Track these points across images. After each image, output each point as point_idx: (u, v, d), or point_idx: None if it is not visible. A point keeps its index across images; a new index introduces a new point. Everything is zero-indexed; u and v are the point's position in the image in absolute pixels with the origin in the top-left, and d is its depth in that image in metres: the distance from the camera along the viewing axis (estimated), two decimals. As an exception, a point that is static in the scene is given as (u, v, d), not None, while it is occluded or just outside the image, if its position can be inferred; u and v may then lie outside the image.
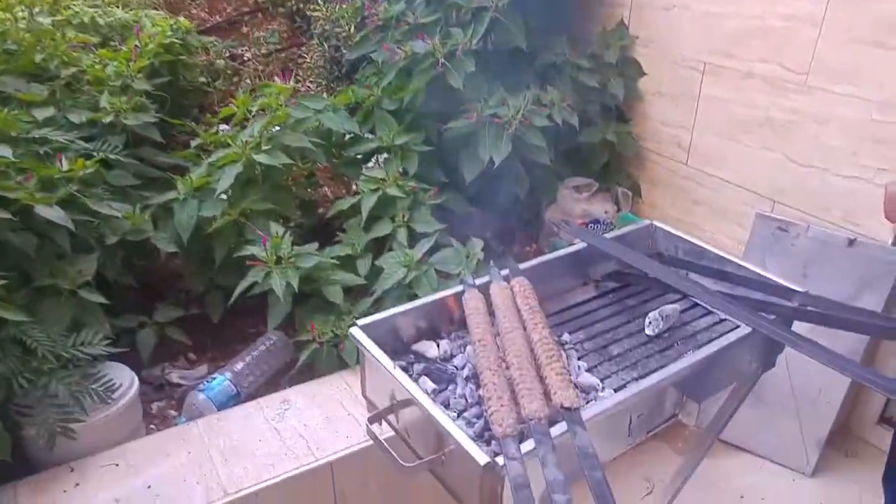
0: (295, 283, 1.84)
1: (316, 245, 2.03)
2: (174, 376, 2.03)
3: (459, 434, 1.00)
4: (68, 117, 1.99)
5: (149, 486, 1.56)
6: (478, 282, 1.39)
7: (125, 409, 1.69)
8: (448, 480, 1.09)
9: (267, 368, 2.03)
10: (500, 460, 0.95)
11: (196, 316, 2.19)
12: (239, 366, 1.98)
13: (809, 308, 1.31)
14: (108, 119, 2.03)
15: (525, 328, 1.23)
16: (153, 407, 1.95)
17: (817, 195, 2.20)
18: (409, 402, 1.11)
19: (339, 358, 1.95)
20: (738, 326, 1.44)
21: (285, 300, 1.85)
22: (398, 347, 1.32)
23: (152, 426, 1.88)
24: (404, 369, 1.26)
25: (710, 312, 1.50)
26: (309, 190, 2.58)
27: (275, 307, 1.90)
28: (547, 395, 1.08)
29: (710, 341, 1.40)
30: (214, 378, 1.92)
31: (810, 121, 2.17)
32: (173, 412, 1.95)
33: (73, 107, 2.04)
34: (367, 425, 1.13)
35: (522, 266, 1.46)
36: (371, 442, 1.61)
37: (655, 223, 1.69)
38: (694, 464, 1.50)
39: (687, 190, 2.73)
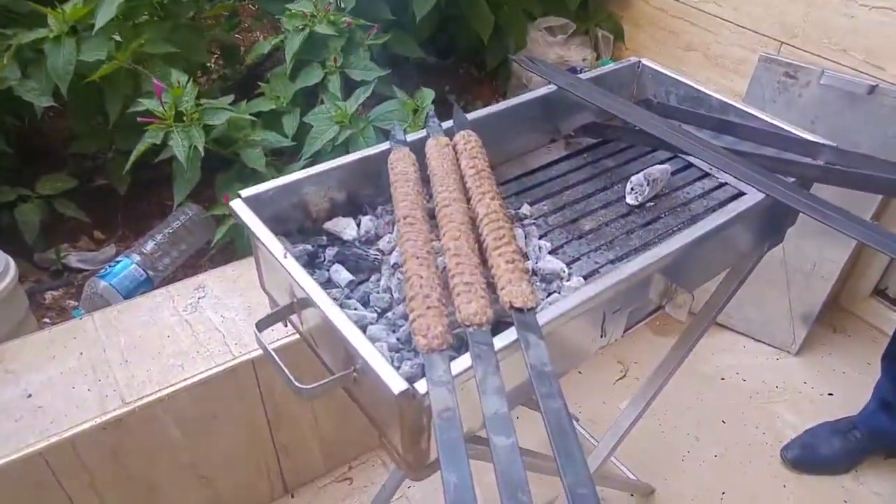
0: (200, 145, 1.49)
1: (231, 98, 1.67)
2: (73, 259, 1.72)
3: (368, 348, 0.72)
4: None
5: (29, 396, 1.29)
6: (412, 137, 1.07)
7: (1, 300, 1.40)
8: (363, 403, 0.83)
9: (185, 248, 1.73)
10: (420, 386, 0.68)
11: (102, 188, 1.85)
12: (149, 246, 1.67)
13: (840, 167, 1.01)
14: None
15: (469, 199, 0.92)
16: (47, 297, 1.65)
17: (836, 33, 1.84)
18: (308, 302, 0.81)
19: (264, 235, 1.65)
20: (742, 193, 1.15)
21: (191, 166, 1.51)
22: (307, 226, 1.02)
23: (46, 320, 1.60)
24: (313, 255, 0.96)
25: (706, 175, 1.20)
26: (233, 34, 2.15)
27: (181, 175, 1.56)
28: (493, 290, 0.79)
29: (706, 211, 1.11)
30: (118, 262, 1.62)
31: (834, -63, 1.78)
32: (73, 302, 1.66)
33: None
34: (256, 333, 0.84)
35: (472, 116, 1.12)
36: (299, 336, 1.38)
37: (643, 61, 1.34)
38: (680, 358, 1.26)
39: (678, 32, 2.35)
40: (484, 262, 0.83)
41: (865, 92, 1.73)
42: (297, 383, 0.77)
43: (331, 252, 0.96)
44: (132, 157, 1.53)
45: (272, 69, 1.95)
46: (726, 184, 1.17)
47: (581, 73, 2.41)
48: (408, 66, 2.29)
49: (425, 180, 0.98)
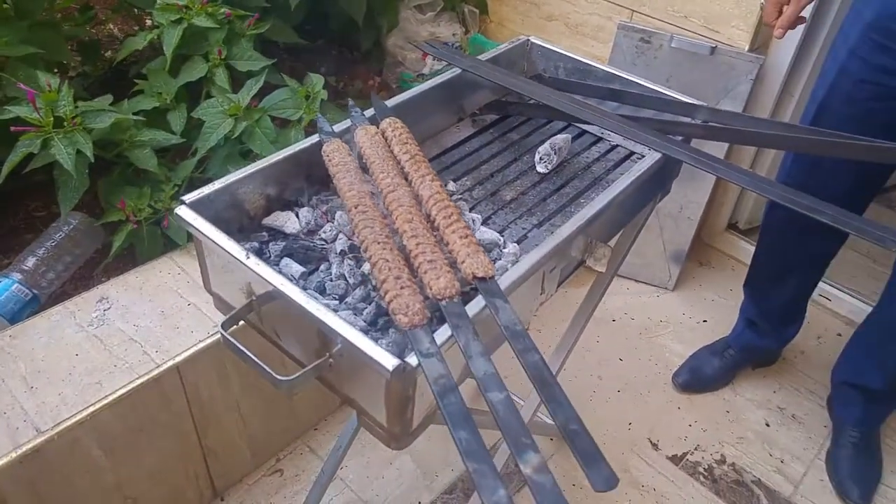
0: (88, 151, 1.41)
1: (110, 98, 1.58)
2: (-59, 286, 1.57)
3: (351, 332, 0.76)
4: None
5: (-77, 441, 1.19)
6: (336, 128, 1.09)
7: None
8: (340, 386, 0.86)
9: (71, 261, 1.62)
10: (411, 360, 0.73)
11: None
12: (30, 262, 1.55)
13: (715, 124, 1.16)
14: None
15: (410, 182, 0.97)
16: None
17: (676, 2, 2.04)
18: (273, 295, 0.83)
19: (164, 237, 1.59)
20: (632, 153, 1.28)
21: (79, 173, 1.43)
22: (245, 224, 1.02)
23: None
24: (258, 252, 0.97)
25: (600, 139, 1.33)
26: (88, 28, 2.01)
27: (66, 184, 1.46)
28: (452, 265, 0.85)
29: (605, 172, 1.24)
30: (-1, 282, 1.50)
31: (667, -86, 1.97)
32: (-50, 333, 1.52)
33: None
34: (223, 333, 0.85)
35: (389, 102, 1.17)
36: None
37: (532, 39, 1.44)
38: (592, 307, 1.39)
39: (539, 4, 2.48)
40: (437, 239, 0.89)
41: (708, 53, 1.96)
42: (277, 376, 0.80)
43: (277, 247, 0.97)
44: (4, 170, 1.41)
45: (137, 64, 1.86)
46: (618, 146, 1.30)
47: (454, 47, 2.51)
48: (281, 52, 2.26)
49: (361, 168, 1.01)
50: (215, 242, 0.86)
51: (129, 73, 1.92)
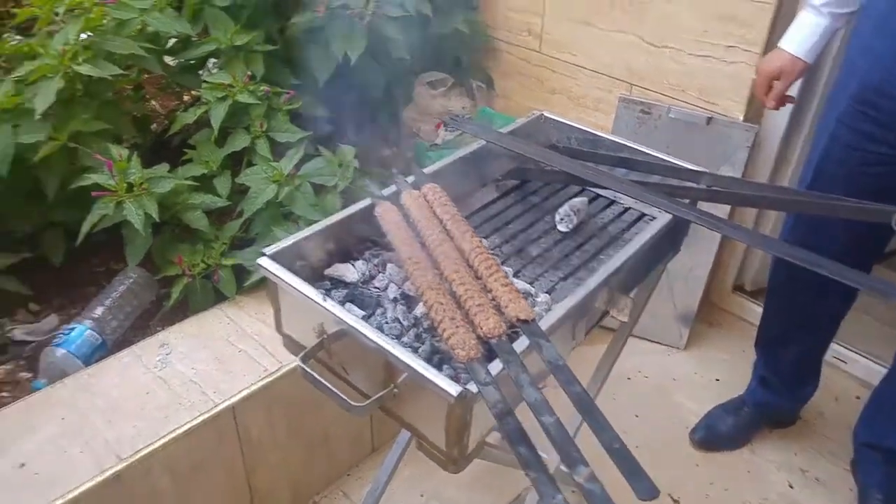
0: (154, 212, 1.59)
1: (167, 167, 1.77)
2: (18, 333, 1.72)
3: (419, 363, 0.91)
4: None
5: (22, 465, 1.32)
6: (384, 192, 1.27)
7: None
8: (402, 413, 1.01)
9: (131, 311, 1.79)
10: (471, 387, 0.88)
11: (30, 260, 1.85)
12: (99, 311, 1.71)
13: (717, 188, 1.34)
14: None
15: (452, 238, 1.14)
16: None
17: (673, 76, 2.26)
18: (346, 333, 0.99)
19: (214, 290, 1.76)
20: (643, 214, 1.46)
21: (146, 232, 1.60)
22: (310, 275, 1.18)
23: (4, 394, 1.60)
24: (324, 297, 1.13)
25: (612, 202, 1.50)
26: (138, 104, 2.22)
27: (133, 241, 1.64)
28: (496, 308, 1.01)
29: (621, 232, 1.41)
30: (72, 329, 1.65)
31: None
32: (26, 374, 1.66)
33: None
34: (302, 366, 1.00)
35: (426, 170, 1.35)
36: (271, 378, 1.51)
37: (545, 114, 1.63)
38: (611, 363, 1.54)
39: (542, 79, 2.71)
40: (481, 287, 1.05)
41: (704, 123, 2.15)
42: (351, 402, 0.95)
43: (340, 293, 1.13)
44: (84, 229, 1.59)
45: (180, 136, 2.04)
46: (630, 208, 1.48)
47: (464, 118, 2.72)
48: (306, 122, 2.47)
49: (409, 226, 1.18)
50: (295, 288, 1.03)
51: (171, 143, 2.12)
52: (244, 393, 1.52)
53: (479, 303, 0.99)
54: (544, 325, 0.99)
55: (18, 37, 2.04)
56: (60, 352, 1.59)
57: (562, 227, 1.38)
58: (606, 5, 2.34)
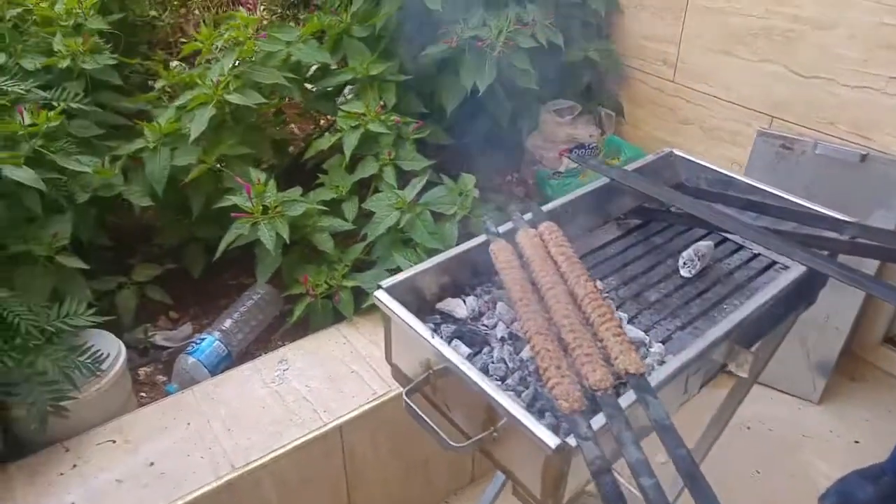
0: (285, 234, 1.68)
1: (300, 190, 1.86)
2: (158, 338, 1.88)
3: (519, 411, 0.89)
4: (20, 64, 1.76)
5: (151, 464, 1.44)
6: (501, 229, 1.26)
7: (115, 380, 1.56)
8: (500, 457, 1.00)
9: (255, 325, 1.89)
10: (571, 441, 0.85)
11: (173, 271, 2.02)
12: (227, 323, 1.83)
13: (863, 240, 1.22)
14: (64, 64, 1.79)
15: (565, 281, 1.11)
16: (140, 373, 1.80)
17: (822, 108, 2.10)
18: (450, 371, 0.99)
19: (334, 311, 1.82)
20: (773, 262, 1.36)
21: (276, 252, 1.69)
22: (422, 307, 1.20)
23: (142, 394, 1.74)
24: (433, 332, 1.14)
25: (741, 248, 1.41)
26: (277, 128, 2.37)
27: (264, 260, 1.74)
28: (606, 359, 0.98)
29: (747, 280, 1.32)
30: (203, 339, 1.78)
31: (814, 27, 2.05)
32: (162, 377, 1.81)
33: (24, 52, 1.79)
34: (406, 399, 1.01)
35: (545, 208, 1.33)
36: (378, 401, 1.54)
37: (675, 151, 1.57)
38: (730, 412, 1.45)
39: (674, 109, 2.62)
40: (592, 335, 1.02)
41: (858, 160, 1.97)
42: (450, 441, 0.94)
43: (448, 329, 1.14)
44: (221, 247, 1.71)
45: (315, 158, 2.15)
46: (759, 254, 1.38)
47: (589, 148, 2.68)
48: (430, 148, 2.52)
49: (522, 266, 1.17)
50: (406, 322, 1.04)
51: (306, 165, 2.23)
52: (353, 414, 1.56)
53: (588, 352, 0.96)
54: (655, 379, 0.94)
55: (184, 65, 2.24)
56: (191, 360, 1.72)
57: (684, 272, 1.32)
58: (750, 35, 2.22)
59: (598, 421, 0.88)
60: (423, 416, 0.99)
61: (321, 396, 1.60)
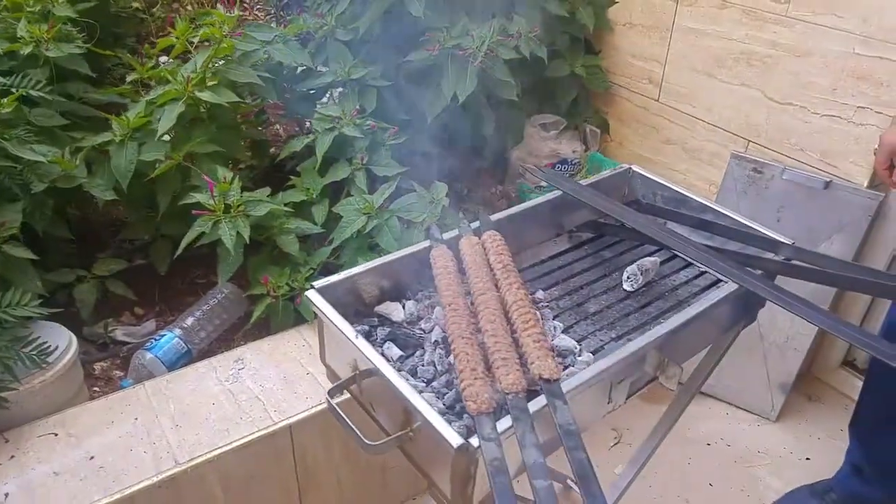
0: (246, 234, 1.69)
1: (268, 191, 1.88)
2: (119, 334, 1.89)
3: (429, 411, 0.90)
4: (-17, 49, 1.76)
5: (91, 457, 1.44)
6: (446, 235, 1.28)
7: (63, 373, 1.56)
8: (416, 458, 1.01)
9: (219, 323, 1.91)
10: (474, 441, 0.86)
11: (140, 267, 2.04)
12: (189, 321, 1.85)
13: (797, 262, 1.23)
14: (26, 50, 1.80)
15: (499, 288, 1.13)
16: (96, 368, 1.81)
17: (793, 135, 2.12)
18: (373, 372, 1.00)
19: (295, 312, 1.84)
20: (720, 280, 1.37)
21: (236, 252, 1.71)
22: (360, 309, 1.21)
23: (96, 389, 1.75)
24: (367, 334, 1.15)
25: (689, 264, 1.42)
26: (259, 129, 2.39)
27: (225, 259, 1.76)
28: (524, 364, 0.99)
29: (691, 296, 1.33)
30: (163, 335, 1.79)
31: (790, 54, 2.07)
32: (119, 373, 1.82)
33: (-11, 37, 1.81)
34: (328, 399, 1.02)
35: (494, 217, 1.34)
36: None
37: (633, 168, 1.58)
38: (669, 424, 1.45)
39: (658, 128, 2.63)
40: (514, 340, 1.03)
41: (821, 187, 1.99)
42: (365, 440, 0.95)
43: (383, 332, 1.15)
44: (182, 244, 1.73)
45: (294, 160, 2.18)
46: (706, 272, 1.39)
47: (572, 164, 2.69)
48: (413, 156, 2.54)
49: (461, 271, 1.18)
50: (333, 323, 1.06)
51: (286, 167, 2.25)
52: (304, 415, 1.56)
53: (505, 356, 0.97)
54: (567, 385, 0.95)
55: (164, 59, 2.26)
56: (149, 356, 1.73)
57: (626, 286, 1.33)
58: (731, 59, 2.24)
59: (506, 423, 0.89)
60: (342, 415, 1.00)
61: (273, 396, 1.61)
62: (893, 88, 1.86)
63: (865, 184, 1.96)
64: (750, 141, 2.27)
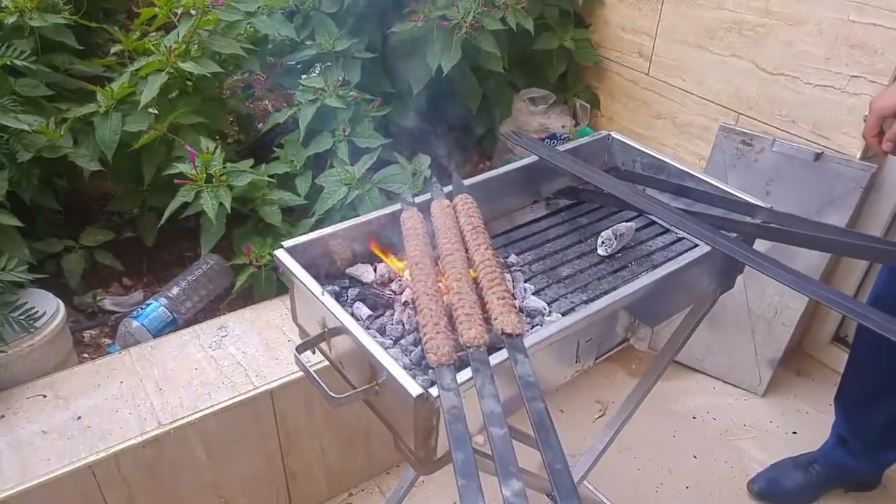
0: (227, 203, 1.70)
1: (251, 162, 1.89)
2: (107, 303, 1.91)
3: (391, 363, 0.91)
4: (-37, 19, 1.77)
5: (78, 418, 1.47)
6: (419, 199, 1.28)
7: (51, 338, 1.58)
8: (382, 411, 1.02)
9: (205, 294, 1.92)
10: (434, 391, 0.87)
11: (129, 240, 2.06)
12: (174, 291, 1.86)
13: (773, 225, 1.23)
14: (10, 20, 1.80)
15: (467, 249, 1.13)
16: (86, 335, 1.84)
17: (785, 106, 2.10)
18: (340, 329, 1.01)
19: (278, 282, 1.85)
20: (696, 246, 1.37)
21: (218, 221, 1.72)
22: (332, 271, 1.22)
23: (85, 355, 1.78)
24: (338, 295, 1.16)
25: (667, 231, 1.42)
26: (247, 103, 2.39)
27: (208, 229, 1.77)
28: (488, 321, 0.99)
29: (666, 261, 1.33)
30: (149, 304, 1.81)
31: (784, 23, 2.04)
32: (107, 340, 1.84)
33: (-26, 7, 1.81)
34: (296, 354, 1.03)
35: (468, 182, 1.35)
36: (312, 369, 1.56)
37: (612, 134, 1.58)
38: (646, 389, 1.46)
39: (648, 102, 2.62)
40: (481, 299, 1.04)
41: (812, 159, 1.97)
42: (330, 392, 0.96)
43: (353, 292, 1.16)
44: (166, 214, 1.74)
45: (281, 135, 2.18)
46: (683, 238, 1.39)
47: (561, 139, 2.68)
48: (402, 131, 2.54)
49: (431, 234, 1.19)
50: (301, 281, 1.06)
51: (273, 142, 2.25)
52: (284, 380, 1.58)
53: (469, 312, 0.98)
54: (530, 340, 0.96)
55: (155, 33, 2.26)
56: (135, 324, 1.75)
57: (601, 251, 1.33)
58: (723, 29, 2.22)
59: (465, 375, 0.90)
60: (309, 370, 1.01)
61: (255, 362, 1.63)
62: (888, 56, 1.84)
63: (858, 155, 1.94)
64: (741, 114, 2.26)
